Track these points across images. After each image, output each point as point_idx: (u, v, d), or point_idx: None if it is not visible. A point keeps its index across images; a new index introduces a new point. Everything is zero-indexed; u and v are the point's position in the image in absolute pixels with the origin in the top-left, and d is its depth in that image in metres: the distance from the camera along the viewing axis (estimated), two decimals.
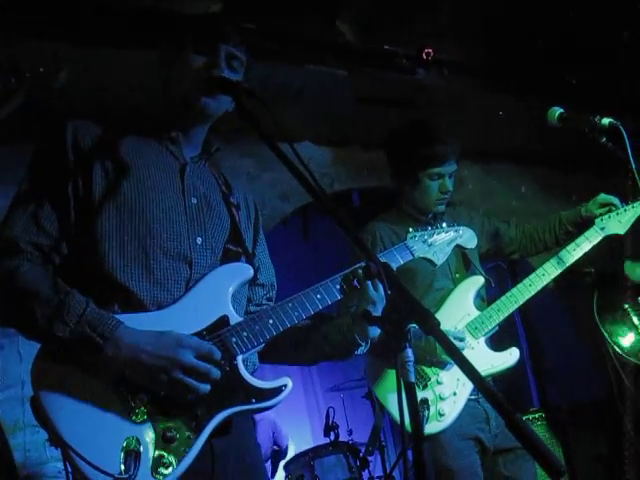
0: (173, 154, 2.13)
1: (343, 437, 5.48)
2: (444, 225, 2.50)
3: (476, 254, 3.51)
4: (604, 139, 3.03)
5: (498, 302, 3.29)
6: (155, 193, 2.00)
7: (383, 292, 2.02)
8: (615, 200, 3.37)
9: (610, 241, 3.38)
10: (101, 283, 1.89)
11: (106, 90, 4.15)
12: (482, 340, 3.24)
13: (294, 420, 6.13)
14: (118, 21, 3.74)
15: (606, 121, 3.01)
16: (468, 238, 2.56)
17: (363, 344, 2.11)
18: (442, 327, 3.03)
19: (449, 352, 1.48)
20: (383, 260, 2.12)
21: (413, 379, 1.52)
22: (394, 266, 2.19)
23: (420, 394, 3.05)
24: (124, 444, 1.71)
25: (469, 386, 3.11)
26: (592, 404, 5.53)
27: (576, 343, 6.35)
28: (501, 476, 3.16)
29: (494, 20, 4.52)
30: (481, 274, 3.42)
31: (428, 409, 2.98)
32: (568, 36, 4.57)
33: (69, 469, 1.69)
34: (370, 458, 5.27)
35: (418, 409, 1.53)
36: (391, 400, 3.11)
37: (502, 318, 3.26)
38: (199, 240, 2.03)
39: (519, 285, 3.32)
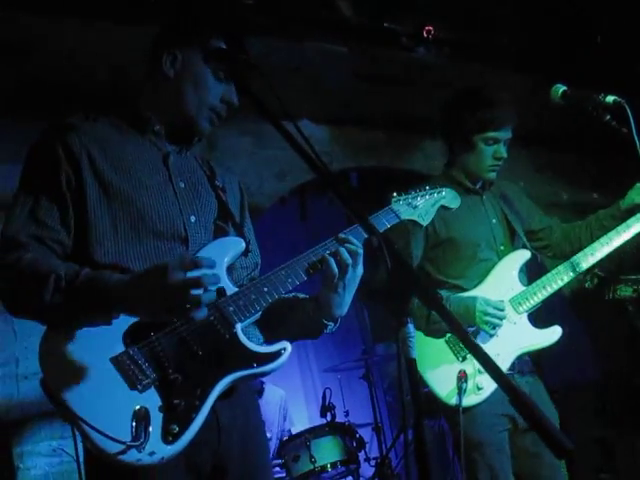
0: (155, 145, 2.16)
1: (340, 418, 5.47)
2: (427, 188, 2.52)
3: (520, 227, 3.44)
4: (608, 117, 2.95)
5: (544, 278, 3.24)
6: (143, 182, 2.04)
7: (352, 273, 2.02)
8: None
9: None
10: (98, 269, 1.90)
11: (103, 63, 4.10)
12: (525, 316, 3.21)
13: (290, 401, 6.10)
14: None
15: (610, 99, 2.91)
16: (451, 198, 2.58)
17: (331, 324, 2.12)
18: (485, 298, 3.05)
19: (451, 327, 1.44)
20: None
21: (414, 355, 1.48)
22: (381, 230, 2.22)
23: (459, 366, 3.04)
24: (133, 413, 1.76)
25: (507, 362, 3.11)
26: (588, 386, 5.53)
27: (573, 326, 6.33)
28: (527, 452, 3.14)
29: None
30: (528, 248, 3.37)
31: (466, 382, 2.98)
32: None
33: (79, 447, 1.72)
34: (366, 439, 5.28)
35: (419, 387, 1.50)
36: (428, 374, 3.09)
37: (547, 295, 3.22)
38: (193, 218, 2.08)
39: (566, 262, 3.26)
